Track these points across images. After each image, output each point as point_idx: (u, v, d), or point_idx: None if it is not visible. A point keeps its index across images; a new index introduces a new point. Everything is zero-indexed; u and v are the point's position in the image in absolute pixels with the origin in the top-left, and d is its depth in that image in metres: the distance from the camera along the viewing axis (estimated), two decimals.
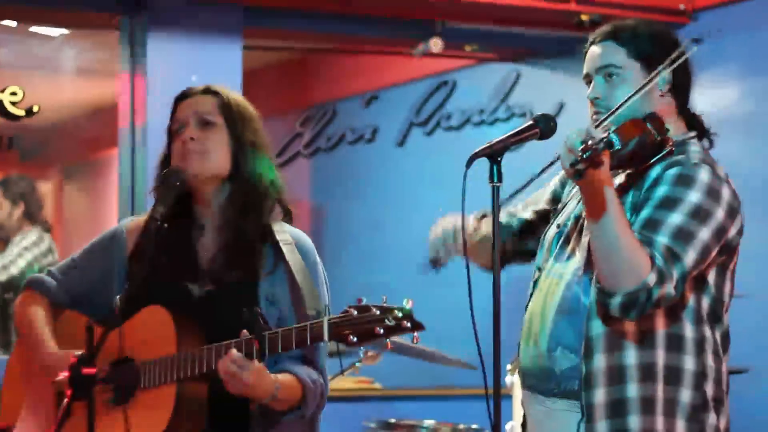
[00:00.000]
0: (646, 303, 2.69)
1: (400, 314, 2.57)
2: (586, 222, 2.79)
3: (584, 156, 2.55)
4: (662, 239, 2.73)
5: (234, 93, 3.09)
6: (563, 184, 3.15)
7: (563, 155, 2.62)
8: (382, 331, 2.57)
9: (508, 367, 4.70)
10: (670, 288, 2.71)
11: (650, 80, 2.86)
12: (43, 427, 3.04)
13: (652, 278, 2.68)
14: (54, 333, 3.07)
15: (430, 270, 3.02)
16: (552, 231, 3.01)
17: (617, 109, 2.84)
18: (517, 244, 3.16)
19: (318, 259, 3.01)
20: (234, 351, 2.72)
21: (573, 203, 3.00)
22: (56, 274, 3.13)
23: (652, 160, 2.84)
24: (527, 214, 3.17)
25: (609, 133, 2.67)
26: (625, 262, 2.68)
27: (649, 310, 2.72)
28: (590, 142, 2.55)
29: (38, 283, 3.12)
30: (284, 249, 2.93)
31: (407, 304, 2.59)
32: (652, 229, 2.74)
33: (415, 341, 2.63)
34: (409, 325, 2.57)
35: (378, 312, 2.58)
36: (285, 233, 2.98)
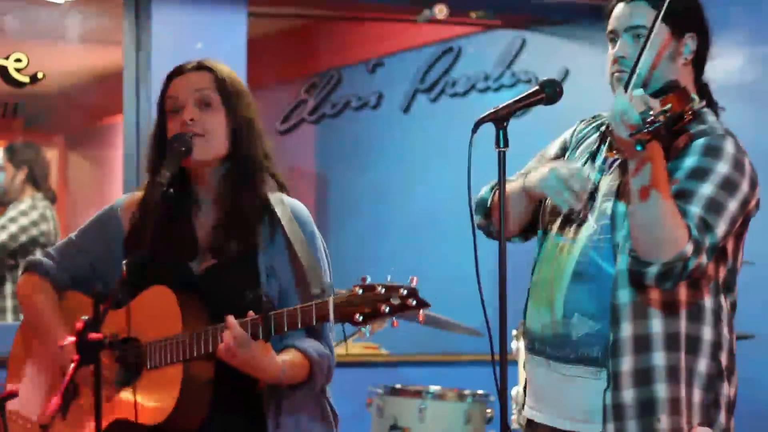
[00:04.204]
0: (682, 273, 2.70)
1: (405, 292, 2.56)
2: (631, 192, 2.71)
3: (650, 128, 2.51)
4: (695, 210, 2.73)
5: (225, 67, 3.04)
6: (564, 145, 3.08)
7: (618, 127, 2.58)
8: (387, 309, 2.55)
9: (514, 332, 4.71)
10: (704, 258, 2.72)
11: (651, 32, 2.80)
12: (45, 399, 3.05)
13: (689, 249, 2.69)
14: (60, 314, 3.06)
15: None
16: None
17: (635, 67, 2.78)
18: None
19: (315, 229, 2.99)
20: (238, 328, 2.70)
21: (578, 165, 2.95)
22: (54, 255, 3.12)
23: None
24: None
25: (666, 106, 2.61)
26: (666, 232, 2.68)
27: (684, 280, 2.73)
28: (654, 114, 2.50)
29: (38, 265, 3.11)
30: (282, 220, 2.91)
31: (412, 282, 2.57)
32: (685, 200, 2.74)
33: (420, 320, 2.62)
34: (414, 303, 2.56)
35: (383, 291, 2.57)
36: (282, 204, 2.96)
